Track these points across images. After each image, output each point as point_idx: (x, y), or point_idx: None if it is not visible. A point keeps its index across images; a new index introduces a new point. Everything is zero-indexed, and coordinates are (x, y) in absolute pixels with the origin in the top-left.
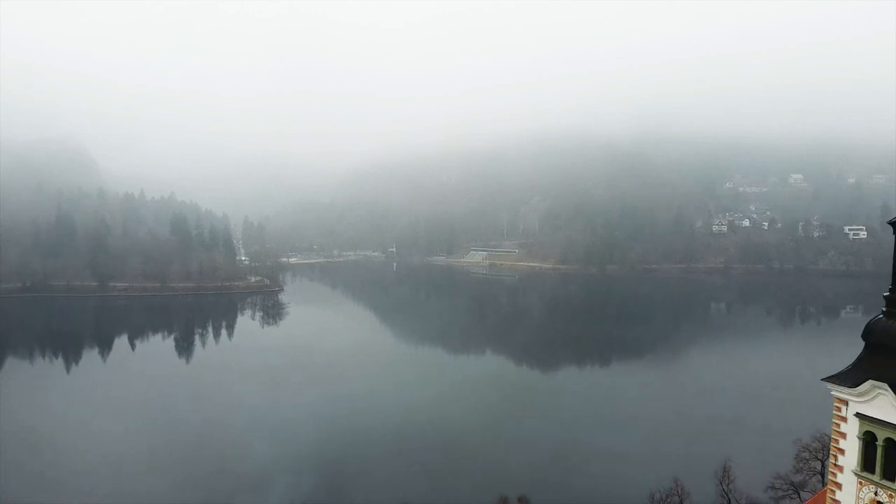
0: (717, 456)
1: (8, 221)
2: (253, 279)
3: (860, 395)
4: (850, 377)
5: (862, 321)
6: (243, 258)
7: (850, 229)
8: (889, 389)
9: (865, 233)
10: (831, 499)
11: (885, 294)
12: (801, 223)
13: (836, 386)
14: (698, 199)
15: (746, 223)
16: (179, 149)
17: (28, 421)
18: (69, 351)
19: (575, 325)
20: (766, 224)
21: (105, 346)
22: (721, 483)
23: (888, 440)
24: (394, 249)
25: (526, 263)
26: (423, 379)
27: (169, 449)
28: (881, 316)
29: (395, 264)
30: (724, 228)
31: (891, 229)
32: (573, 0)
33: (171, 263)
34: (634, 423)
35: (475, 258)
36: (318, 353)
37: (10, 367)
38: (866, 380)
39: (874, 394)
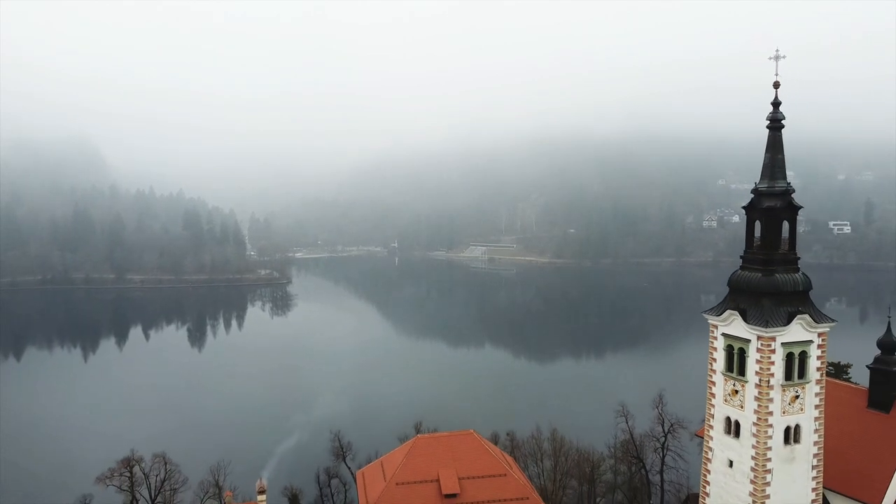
0: (664, 398)
1: (28, 217)
2: (263, 272)
3: (723, 320)
4: (718, 309)
5: (846, 313)
6: (251, 252)
7: (834, 224)
8: (739, 316)
9: (849, 227)
10: (710, 392)
11: (741, 255)
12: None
13: (710, 315)
14: (690, 195)
15: (736, 219)
16: (185, 147)
17: (43, 411)
18: (98, 339)
19: (569, 316)
20: None
21: (137, 335)
22: (657, 407)
23: (740, 349)
24: (396, 245)
25: (523, 258)
26: (426, 358)
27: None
28: (739, 269)
29: (396, 259)
30: (714, 224)
31: (874, 224)
32: (572, 1)
33: (185, 257)
34: (609, 384)
35: (475, 253)
36: (330, 334)
37: (42, 357)
38: (727, 310)
39: (731, 319)
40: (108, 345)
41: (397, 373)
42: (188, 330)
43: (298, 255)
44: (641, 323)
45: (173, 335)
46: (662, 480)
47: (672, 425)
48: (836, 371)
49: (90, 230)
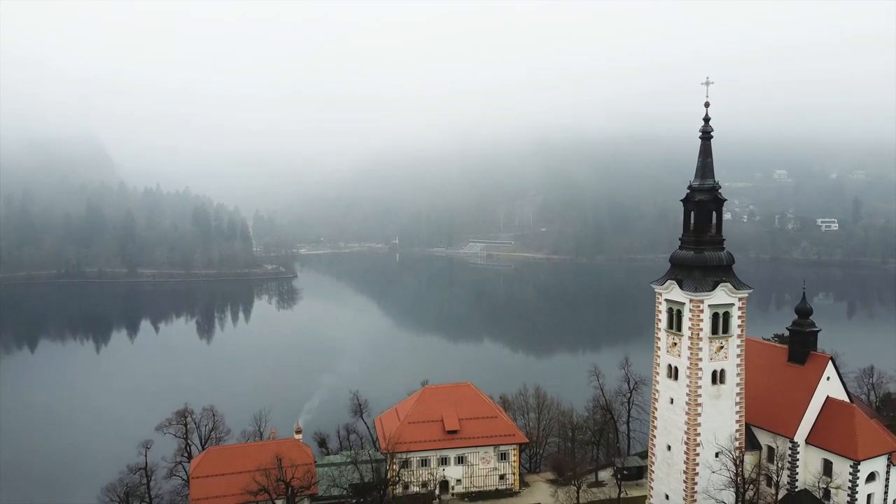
0: (630, 360)
1: (42, 214)
2: (269, 267)
3: (665, 288)
4: (662, 280)
5: (834, 308)
6: (256, 248)
7: (822, 222)
8: (676, 284)
9: (837, 225)
10: (656, 346)
11: (679, 238)
12: (777, 216)
13: (655, 285)
14: (683, 193)
15: (728, 216)
16: (188, 146)
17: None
18: (115, 330)
19: (564, 308)
20: (745, 217)
21: (154, 325)
22: (623, 368)
23: (678, 310)
24: (397, 241)
25: (521, 254)
26: (428, 342)
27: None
28: (678, 249)
29: (397, 255)
30: None
31: (861, 222)
32: (572, 1)
33: (194, 252)
34: (591, 359)
35: (474, 249)
36: (340, 322)
37: (63, 347)
38: (668, 280)
39: (671, 287)
40: (125, 335)
41: (402, 354)
42: (203, 321)
43: (302, 251)
44: (632, 315)
45: (192, 325)
46: (629, 429)
47: (636, 383)
48: (782, 342)
49: (102, 226)
